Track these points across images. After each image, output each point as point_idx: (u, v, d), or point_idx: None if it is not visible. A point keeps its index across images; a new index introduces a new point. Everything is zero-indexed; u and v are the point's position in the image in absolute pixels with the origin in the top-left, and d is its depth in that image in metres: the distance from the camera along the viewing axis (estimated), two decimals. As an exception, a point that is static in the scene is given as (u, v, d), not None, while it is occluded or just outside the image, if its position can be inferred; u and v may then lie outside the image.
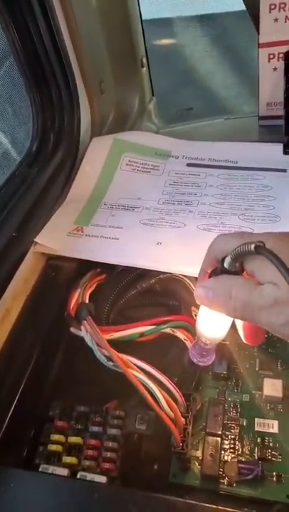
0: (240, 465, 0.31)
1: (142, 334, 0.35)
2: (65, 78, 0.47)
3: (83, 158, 0.50)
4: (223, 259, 0.25)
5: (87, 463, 0.30)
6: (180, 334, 0.35)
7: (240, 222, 0.41)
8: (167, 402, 0.31)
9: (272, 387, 0.35)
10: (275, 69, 0.50)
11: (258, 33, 0.48)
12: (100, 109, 0.55)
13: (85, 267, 0.41)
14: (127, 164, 0.50)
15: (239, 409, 0.35)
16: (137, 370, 0.32)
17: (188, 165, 0.50)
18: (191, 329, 0.36)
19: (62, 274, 0.41)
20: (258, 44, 0.49)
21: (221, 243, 0.26)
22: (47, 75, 0.46)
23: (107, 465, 0.30)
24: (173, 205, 0.45)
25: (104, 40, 0.53)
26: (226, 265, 0.25)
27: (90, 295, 0.39)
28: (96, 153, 0.50)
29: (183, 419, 0.31)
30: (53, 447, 0.31)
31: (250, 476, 0.31)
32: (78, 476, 0.30)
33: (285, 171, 0.46)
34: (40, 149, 0.48)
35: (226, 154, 0.49)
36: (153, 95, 0.70)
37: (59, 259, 0.42)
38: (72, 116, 0.49)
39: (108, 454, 0.31)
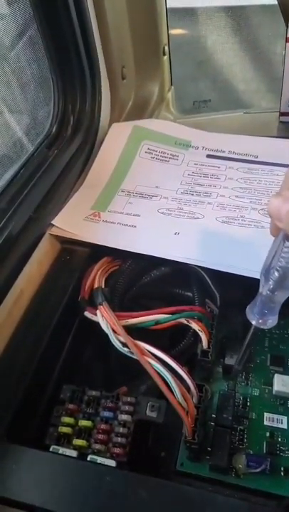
0: (248, 457, 0.31)
1: (157, 322, 0.35)
2: (89, 60, 0.46)
3: (102, 144, 0.49)
4: None
5: (97, 446, 0.30)
6: (194, 325, 0.35)
7: (260, 216, 0.41)
8: (181, 391, 0.30)
9: (282, 383, 0.35)
10: (301, 62, 0.49)
11: (287, 26, 0.48)
12: (121, 94, 0.54)
13: (99, 252, 0.41)
14: (146, 152, 0.49)
15: (249, 403, 0.35)
16: (152, 357, 0.32)
17: (208, 156, 0.49)
18: (205, 320, 0.36)
19: (76, 258, 0.41)
20: (286, 38, 0.48)
21: None
22: (71, 56, 0.45)
23: (116, 450, 0.30)
24: (192, 195, 0.44)
25: (129, 24, 0.52)
26: None
27: (105, 281, 0.39)
28: (115, 139, 0.50)
29: (195, 409, 0.31)
30: (63, 429, 0.31)
31: (258, 469, 0.31)
32: (88, 459, 0.30)
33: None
34: (60, 131, 0.47)
35: (247, 148, 0.49)
36: (172, 84, 0.69)
37: (73, 243, 0.42)
38: (94, 100, 0.48)
39: (118, 439, 0.31)
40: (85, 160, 0.47)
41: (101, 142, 0.50)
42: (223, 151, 0.49)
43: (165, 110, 0.65)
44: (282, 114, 0.55)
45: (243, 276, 0.36)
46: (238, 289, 0.39)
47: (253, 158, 0.48)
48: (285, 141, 0.49)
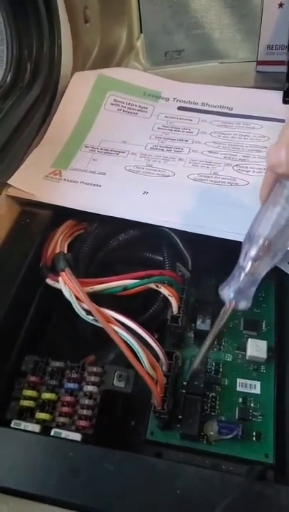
0: (220, 424, 0.31)
1: (124, 288, 0.32)
2: (46, -1, 0.41)
3: (63, 95, 0.45)
4: None
5: (61, 419, 0.29)
6: (164, 290, 0.33)
7: (234, 173, 0.38)
8: (149, 360, 0.29)
9: (256, 348, 0.34)
10: (280, 5, 0.45)
11: None
12: (84, 40, 0.49)
13: (63, 215, 0.38)
14: (112, 104, 0.45)
15: (221, 369, 0.34)
16: (118, 325, 0.30)
17: (180, 108, 0.46)
18: (175, 285, 0.34)
19: (37, 221, 0.38)
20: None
21: None
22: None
23: (82, 422, 0.29)
24: (162, 151, 0.41)
25: None
26: None
27: (69, 245, 0.36)
28: (78, 90, 0.45)
29: (164, 378, 0.30)
30: (25, 403, 0.30)
31: (230, 436, 0.30)
32: (52, 433, 0.28)
33: (283, 121, 0.43)
34: (15, 80, 0.43)
35: (221, 99, 0.45)
36: (141, 32, 0.64)
37: (34, 205, 0.38)
38: (53, 45, 0.43)
39: (84, 412, 0.29)
40: (44, 113, 0.43)
41: (62, 93, 0.45)
42: (196, 103, 0.46)
43: (134, 60, 0.60)
44: (259, 63, 0.52)
45: (216, 237, 0.34)
46: (210, 251, 0.37)
47: (227, 111, 0.45)
48: (262, 91, 0.46)
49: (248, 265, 0.24)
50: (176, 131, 0.43)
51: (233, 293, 0.25)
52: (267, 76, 0.52)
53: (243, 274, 0.25)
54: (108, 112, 0.45)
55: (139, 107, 0.45)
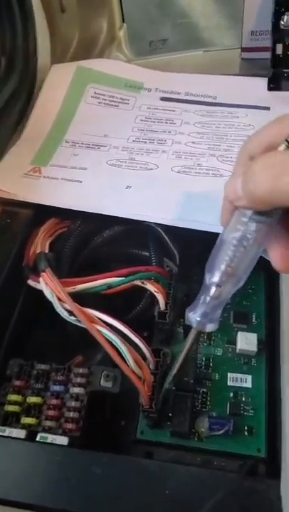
0: (211, 420, 0.30)
1: (109, 286, 0.32)
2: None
3: (41, 89, 0.44)
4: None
5: (48, 423, 0.28)
6: (150, 286, 0.33)
7: (219, 164, 0.37)
8: (135, 358, 0.28)
9: (246, 341, 0.33)
10: (263, -12, 0.44)
11: None
12: (62, 31, 0.48)
13: (45, 213, 0.37)
14: (93, 96, 0.44)
15: (211, 364, 0.33)
16: (102, 324, 0.29)
17: (162, 99, 0.44)
18: (162, 281, 0.33)
19: (18, 221, 0.37)
20: None
21: (260, 135, 0.20)
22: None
23: (69, 425, 0.28)
24: (144, 143, 0.40)
25: None
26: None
27: (51, 244, 0.35)
28: (56, 83, 0.44)
29: (152, 377, 0.29)
30: (10, 408, 0.29)
31: (221, 431, 0.30)
32: (38, 438, 0.27)
33: (268, 108, 0.42)
34: (-11, 76, 0.41)
35: (205, 88, 0.44)
36: (124, 21, 0.62)
37: (15, 204, 0.37)
38: (27, 36, 0.42)
39: (70, 414, 0.28)
40: (21, 108, 0.41)
41: (40, 87, 0.44)
42: (179, 93, 0.45)
43: (117, 50, 0.58)
44: (243, 50, 0.50)
45: (203, 230, 0.33)
46: (198, 245, 0.37)
47: (211, 100, 0.44)
48: (246, 78, 0.45)
49: (212, 290, 0.24)
50: (158, 122, 0.42)
51: (200, 317, 0.26)
52: (252, 63, 0.51)
53: (208, 298, 0.25)
54: (88, 105, 0.44)
55: (121, 99, 0.44)
